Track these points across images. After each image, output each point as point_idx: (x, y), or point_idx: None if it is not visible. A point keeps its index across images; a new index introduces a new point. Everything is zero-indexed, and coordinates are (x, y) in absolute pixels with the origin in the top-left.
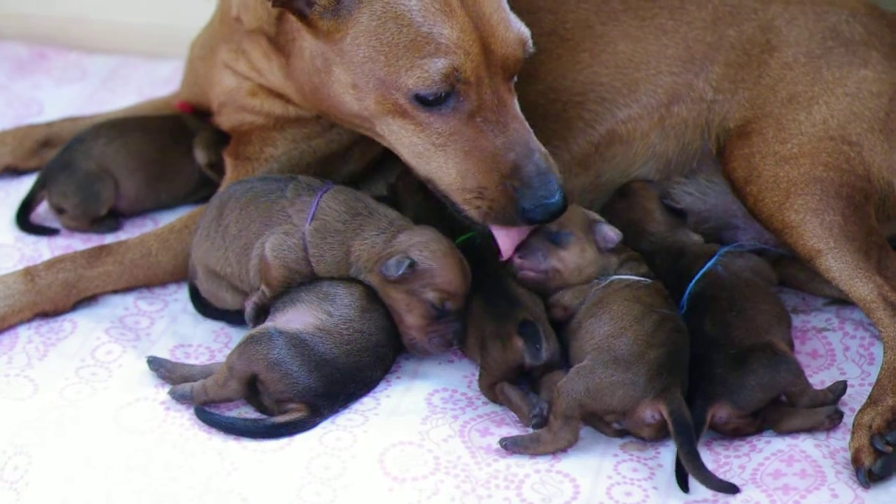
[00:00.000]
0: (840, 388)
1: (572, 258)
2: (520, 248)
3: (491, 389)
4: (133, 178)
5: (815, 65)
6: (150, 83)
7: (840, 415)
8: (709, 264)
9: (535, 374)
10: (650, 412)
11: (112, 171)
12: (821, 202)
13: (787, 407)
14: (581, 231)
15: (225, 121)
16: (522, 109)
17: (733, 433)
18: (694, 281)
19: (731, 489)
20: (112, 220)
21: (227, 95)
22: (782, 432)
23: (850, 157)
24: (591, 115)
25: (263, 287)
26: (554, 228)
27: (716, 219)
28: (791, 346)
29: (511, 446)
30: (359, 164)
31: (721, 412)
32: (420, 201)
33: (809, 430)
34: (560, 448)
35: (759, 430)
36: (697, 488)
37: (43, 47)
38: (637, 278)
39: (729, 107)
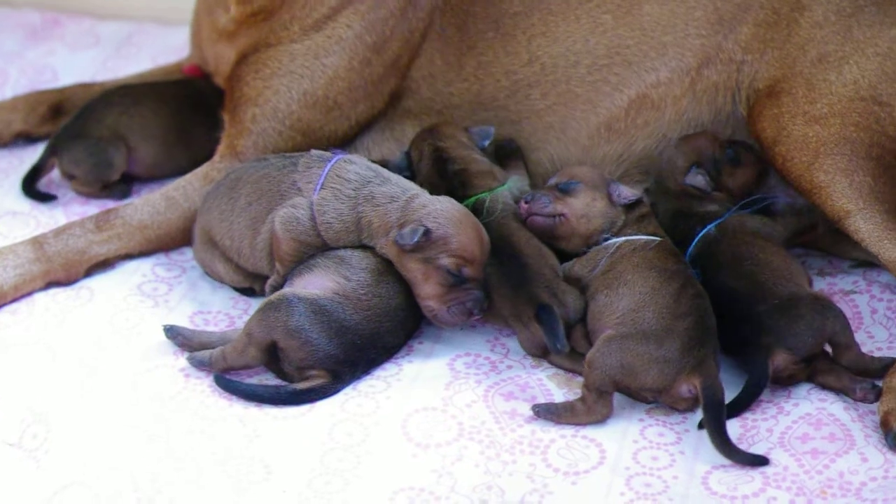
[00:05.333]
0: (888, 362)
1: (579, 205)
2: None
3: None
4: (150, 145)
5: (846, 24)
6: (164, 50)
7: (876, 394)
8: (709, 227)
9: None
10: (686, 387)
11: (126, 138)
12: (850, 163)
13: (827, 362)
14: (591, 183)
15: (218, 79)
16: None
17: (788, 381)
18: (693, 245)
19: (760, 462)
20: (123, 185)
21: (213, 49)
22: (817, 384)
23: (881, 117)
24: (618, 79)
25: (277, 265)
26: (563, 179)
27: None
28: None
29: (544, 413)
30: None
31: (778, 360)
32: (431, 164)
33: (839, 391)
34: (595, 421)
35: (809, 378)
36: None
37: (56, 14)
38: (646, 238)
39: (758, 67)
